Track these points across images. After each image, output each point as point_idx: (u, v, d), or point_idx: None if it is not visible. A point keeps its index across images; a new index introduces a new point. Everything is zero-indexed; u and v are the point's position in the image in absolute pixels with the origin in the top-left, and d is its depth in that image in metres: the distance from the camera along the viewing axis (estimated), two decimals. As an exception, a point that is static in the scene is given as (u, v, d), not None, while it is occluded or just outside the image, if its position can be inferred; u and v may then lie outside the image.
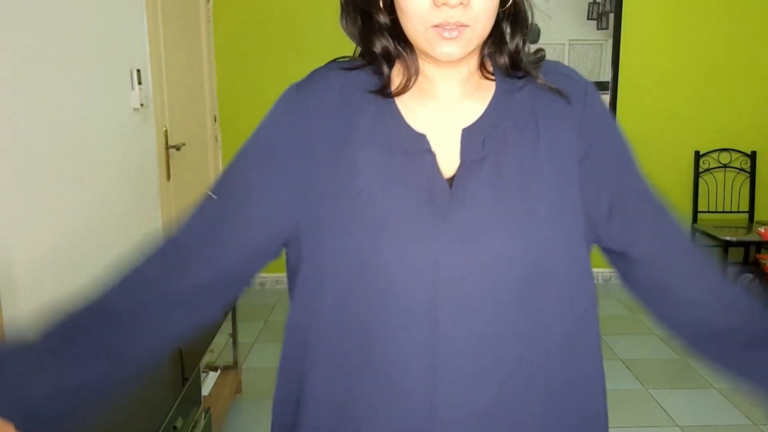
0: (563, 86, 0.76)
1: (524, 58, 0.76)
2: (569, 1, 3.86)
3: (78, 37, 1.96)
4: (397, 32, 0.74)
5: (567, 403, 0.77)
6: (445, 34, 0.68)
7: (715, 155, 4.00)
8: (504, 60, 0.76)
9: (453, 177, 0.73)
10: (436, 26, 0.68)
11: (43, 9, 1.75)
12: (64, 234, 1.84)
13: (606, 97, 3.94)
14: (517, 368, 0.73)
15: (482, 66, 0.77)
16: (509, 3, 0.73)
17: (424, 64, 0.75)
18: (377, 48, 0.75)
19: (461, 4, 0.66)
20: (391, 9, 0.73)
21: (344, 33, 0.78)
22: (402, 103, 0.75)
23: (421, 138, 0.74)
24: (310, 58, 0.97)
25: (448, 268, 0.70)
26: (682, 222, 0.83)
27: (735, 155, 3.99)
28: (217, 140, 3.76)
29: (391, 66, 0.76)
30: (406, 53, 0.75)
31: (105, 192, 2.13)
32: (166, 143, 2.73)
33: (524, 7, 0.75)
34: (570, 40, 3.88)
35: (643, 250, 0.80)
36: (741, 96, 3.99)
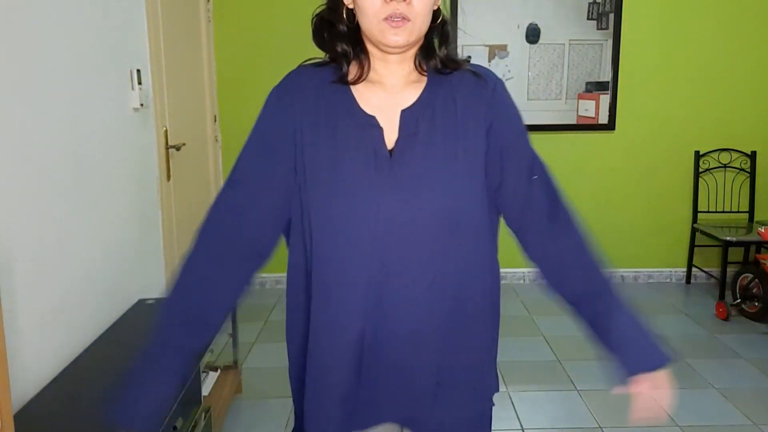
0: (479, 80, 1.01)
1: (453, 60, 1.01)
2: (569, 1, 3.86)
3: (78, 37, 1.97)
4: (354, 39, 0.99)
5: (467, 328, 1.02)
6: (393, 24, 0.92)
7: (715, 155, 4.00)
8: (435, 62, 1.01)
9: (394, 147, 0.97)
10: (386, 19, 0.92)
11: (43, 9, 1.75)
12: (64, 234, 1.84)
13: (606, 97, 3.94)
14: (440, 295, 0.98)
15: (420, 66, 1.02)
16: (439, 20, 0.99)
17: (375, 61, 1.00)
18: (339, 49, 1.00)
19: (404, 0, 0.90)
20: (349, 20, 0.98)
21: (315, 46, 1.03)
22: (357, 91, 1.00)
23: (372, 118, 0.98)
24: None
25: (387, 212, 0.95)
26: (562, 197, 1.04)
27: (735, 155, 3.99)
28: (217, 140, 3.76)
29: (348, 63, 1.00)
30: (360, 54, 1.00)
31: (105, 192, 2.13)
32: (166, 143, 2.72)
33: (448, 25, 1.02)
34: (570, 40, 3.88)
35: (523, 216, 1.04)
36: (741, 96, 3.99)
